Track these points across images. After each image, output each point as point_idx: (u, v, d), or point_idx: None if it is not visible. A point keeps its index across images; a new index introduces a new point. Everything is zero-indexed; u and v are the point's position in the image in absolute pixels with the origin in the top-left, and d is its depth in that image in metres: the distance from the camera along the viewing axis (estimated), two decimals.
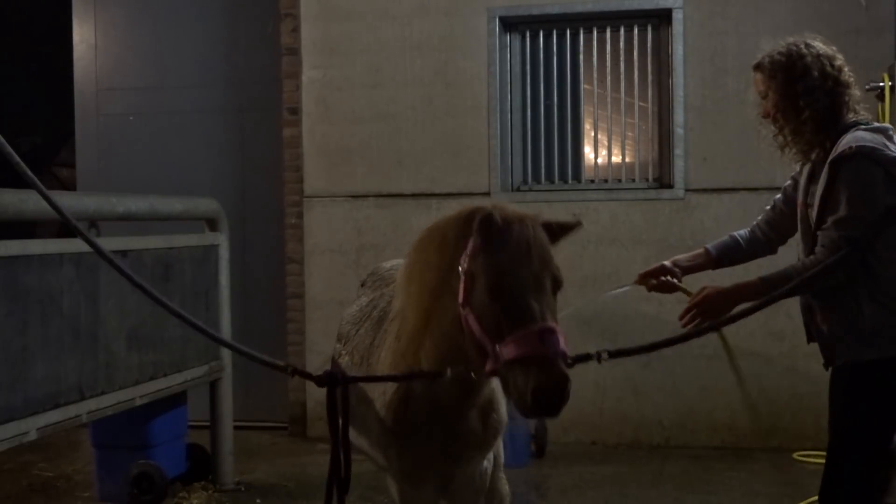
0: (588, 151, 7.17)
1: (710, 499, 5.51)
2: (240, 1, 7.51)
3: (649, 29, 6.87)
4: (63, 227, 8.75)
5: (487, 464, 3.29)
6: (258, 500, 5.57)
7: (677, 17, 6.63)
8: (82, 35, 7.74)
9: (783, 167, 6.90)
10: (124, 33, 7.70)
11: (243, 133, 7.52)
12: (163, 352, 5.17)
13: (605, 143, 7.11)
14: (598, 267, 6.59)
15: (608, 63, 6.95)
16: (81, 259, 4.41)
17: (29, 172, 2.42)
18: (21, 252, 4.07)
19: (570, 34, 6.96)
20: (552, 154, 7.01)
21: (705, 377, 6.57)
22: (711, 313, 3.18)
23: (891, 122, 5.87)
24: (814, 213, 3.17)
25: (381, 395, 3.00)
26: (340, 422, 2.74)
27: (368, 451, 3.26)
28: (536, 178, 7.05)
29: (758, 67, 3.36)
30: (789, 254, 3.50)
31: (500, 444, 3.66)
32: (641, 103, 6.95)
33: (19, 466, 6.28)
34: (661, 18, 6.81)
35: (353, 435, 3.33)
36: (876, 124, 3.20)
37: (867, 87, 6.03)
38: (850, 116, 3.21)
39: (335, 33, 7.08)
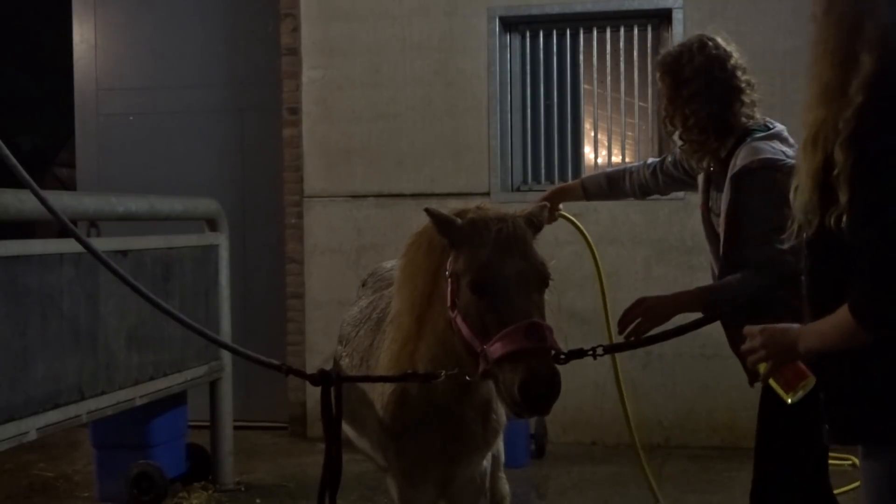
0: (588, 151, 7.17)
1: (710, 499, 5.51)
2: (240, 1, 7.51)
3: (649, 29, 6.87)
4: (63, 227, 8.75)
5: (487, 464, 3.30)
6: (258, 500, 5.57)
7: (677, 17, 6.63)
8: (82, 35, 7.74)
9: None
10: (124, 33, 7.70)
11: (243, 133, 7.51)
12: (163, 352, 5.17)
13: (605, 143, 7.11)
14: None
15: (608, 63, 6.95)
16: (81, 259, 4.41)
17: (25, 174, 2.42)
18: (21, 252, 4.07)
19: (570, 34, 6.96)
20: (552, 154, 7.00)
21: (705, 377, 6.57)
22: (655, 319, 3.03)
23: None
24: (719, 226, 3.08)
25: (379, 396, 3.01)
26: (334, 420, 2.74)
27: (370, 453, 3.27)
28: (536, 178, 7.04)
29: (656, 66, 3.26)
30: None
31: (500, 444, 3.66)
32: (641, 103, 6.95)
33: (19, 466, 6.27)
34: (661, 18, 6.81)
35: (354, 436, 3.34)
36: (770, 129, 3.08)
37: None
38: (744, 121, 3.06)
39: (335, 33, 7.08)
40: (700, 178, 3.29)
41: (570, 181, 6.92)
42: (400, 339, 2.88)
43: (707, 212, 3.23)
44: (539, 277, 2.59)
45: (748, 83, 3.11)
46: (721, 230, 3.10)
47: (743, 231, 2.98)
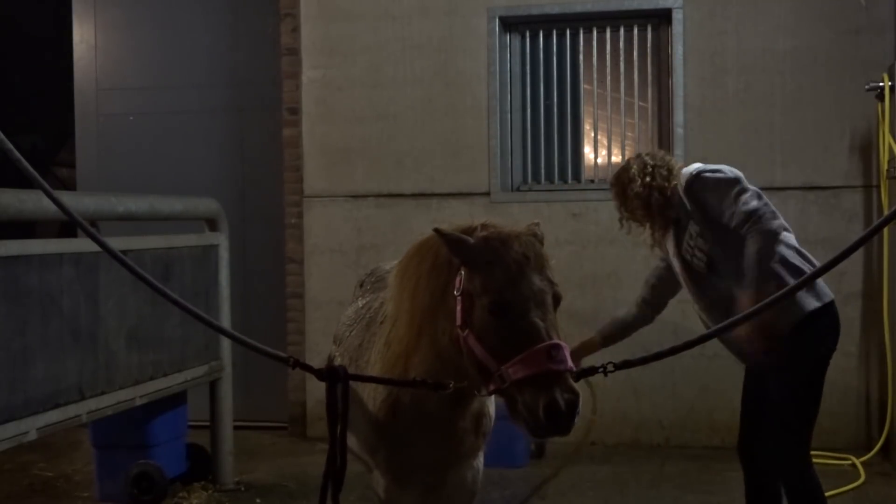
0: (588, 151, 7.17)
1: (710, 499, 5.51)
2: (240, 1, 7.51)
3: (649, 29, 6.87)
4: (63, 227, 8.75)
5: (479, 464, 3.27)
6: (258, 500, 5.58)
7: (677, 17, 6.63)
8: (82, 35, 7.74)
9: (783, 167, 6.89)
10: (124, 33, 7.70)
11: (243, 133, 7.52)
12: (163, 352, 5.17)
13: (605, 143, 7.11)
14: (597, 267, 6.59)
15: (608, 63, 6.95)
16: (81, 259, 4.41)
17: (30, 168, 2.42)
18: (21, 252, 4.07)
19: (570, 34, 6.96)
20: (552, 154, 7.01)
21: (705, 377, 6.57)
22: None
23: (891, 123, 5.88)
24: (702, 255, 3.75)
25: (370, 398, 2.97)
26: (339, 418, 2.73)
27: (356, 451, 3.24)
28: (536, 178, 7.04)
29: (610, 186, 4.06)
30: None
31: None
32: (641, 103, 6.95)
33: (19, 466, 6.28)
34: (661, 18, 6.81)
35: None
36: None
37: (867, 87, 6.03)
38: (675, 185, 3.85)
39: (335, 33, 7.08)
40: (669, 246, 3.94)
41: (569, 181, 7.02)
42: (398, 351, 2.83)
43: (681, 258, 3.86)
44: (555, 296, 2.57)
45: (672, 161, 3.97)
46: (702, 246, 3.76)
47: (724, 219, 3.68)
